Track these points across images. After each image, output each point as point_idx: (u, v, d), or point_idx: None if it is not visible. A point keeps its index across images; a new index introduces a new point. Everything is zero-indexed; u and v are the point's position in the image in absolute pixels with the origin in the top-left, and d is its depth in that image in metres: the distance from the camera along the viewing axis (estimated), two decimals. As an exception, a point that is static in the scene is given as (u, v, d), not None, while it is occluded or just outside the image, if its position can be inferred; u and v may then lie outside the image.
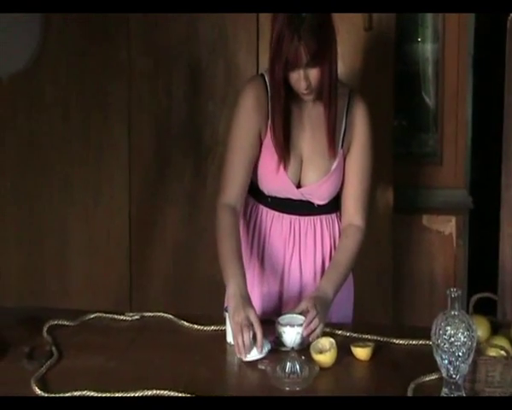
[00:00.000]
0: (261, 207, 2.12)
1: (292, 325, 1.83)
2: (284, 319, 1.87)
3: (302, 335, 1.83)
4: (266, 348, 1.79)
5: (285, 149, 2.00)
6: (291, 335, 1.83)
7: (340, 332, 1.95)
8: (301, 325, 1.84)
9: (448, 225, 3.02)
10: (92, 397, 1.61)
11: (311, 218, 2.10)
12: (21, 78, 2.86)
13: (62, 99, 2.89)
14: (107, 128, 2.90)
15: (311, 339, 1.83)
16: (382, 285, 2.87)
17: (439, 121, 3.04)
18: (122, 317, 2.06)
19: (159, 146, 2.92)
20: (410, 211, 3.00)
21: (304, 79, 1.89)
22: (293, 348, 1.81)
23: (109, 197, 2.92)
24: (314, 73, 1.89)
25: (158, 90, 2.88)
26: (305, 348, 1.83)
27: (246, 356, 1.78)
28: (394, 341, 1.91)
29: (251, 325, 1.78)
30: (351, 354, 1.81)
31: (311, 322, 1.84)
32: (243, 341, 1.76)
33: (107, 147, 2.91)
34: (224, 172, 2.03)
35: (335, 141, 2.01)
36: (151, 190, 2.92)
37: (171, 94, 2.88)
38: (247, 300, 1.85)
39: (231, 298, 1.86)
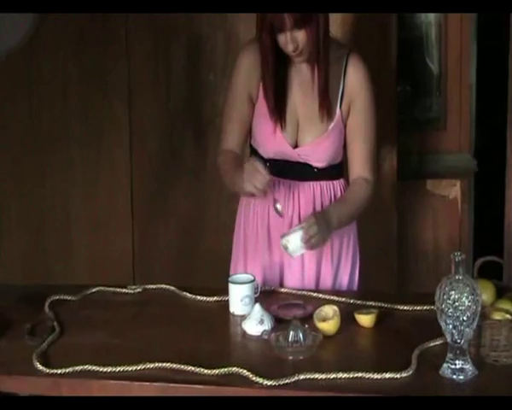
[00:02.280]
0: None
1: (293, 232, 1.90)
2: (285, 233, 1.93)
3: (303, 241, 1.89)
4: (268, 325, 1.80)
5: (279, 111, 2.03)
6: (295, 241, 1.89)
7: (343, 299, 1.94)
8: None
9: (452, 190, 2.99)
10: (94, 371, 1.61)
11: (311, 183, 2.10)
12: (20, 56, 2.83)
13: (61, 77, 2.85)
14: (106, 105, 2.87)
15: (306, 247, 1.89)
16: (387, 253, 2.86)
17: (443, 86, 3.00)
18: (124, 290, 2.06)
19: (159, 121, 2.89)
20: (415, 177, 2.98)
21: (291, 41, 1.92)
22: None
23: (111, 174, 2.91)
24: (301, 36, 1.93)
25: (158, 65, 2.84)
26: (307, 316, 1.82)
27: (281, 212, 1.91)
28: (398, 307, 1.90)
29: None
30: (354, 321, 1.81)
31: (310, 227, 1.88)
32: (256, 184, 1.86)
33: (107, 124, 2.88)
34: (222, 126, 2.12)
35: (328, 102, 2.01)
36: (152, 166, 2.90)
37: (170, 68, 2.85)
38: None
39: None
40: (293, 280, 2.12)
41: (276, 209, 1.96)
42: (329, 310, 1.79)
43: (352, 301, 1.93)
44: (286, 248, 1.91)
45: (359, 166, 2.06)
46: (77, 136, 2.89)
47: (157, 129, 2.88)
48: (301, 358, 1.65)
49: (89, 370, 1.62)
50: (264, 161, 2.07)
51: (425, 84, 3.02)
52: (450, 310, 1.53)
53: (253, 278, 1.93)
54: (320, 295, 1.98)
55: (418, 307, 1.88)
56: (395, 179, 2.84)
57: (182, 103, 2.86)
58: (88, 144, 2.90)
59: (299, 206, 2.09)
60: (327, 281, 2.13)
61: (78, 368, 1.62)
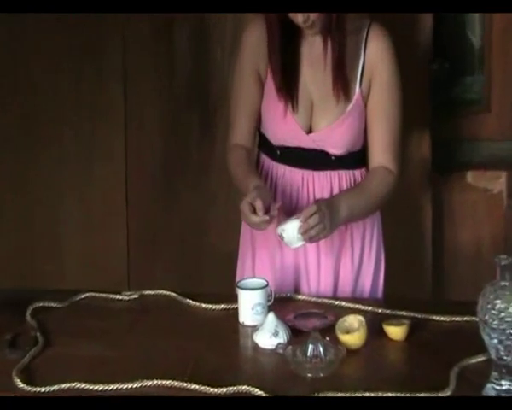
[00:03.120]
0: (271, 163, 2.14)
1: (290, 220, 1.90)
2: (283, 222, 1.95)
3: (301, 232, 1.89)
4: (284, 338, 1.80)
5: (289, 90, 2.03)
6: (292, 230, 1.89)
7: (370, 308, 1.94)
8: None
9: (497, 183, 2.97)
10: (83, 390, 1.60)
11: (328, 173, 2.10)
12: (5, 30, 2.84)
13: (53, 54, 2.85)
14: (100, 85, 2.87)
15: (304, 238, 1.89)
16: (419, 254, 2.85)
17: (486, 62, 2.98)
18: (118, 296, 2.07)
19: (160, 103, 2.90)
20: (452, 168, 2.95)
21: None
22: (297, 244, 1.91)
23: (105, 167, 2.92)
24: None
25: (158, 40, 2.84)
26: (329, 327, 1.82)
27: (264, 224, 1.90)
28: (434, 317, 1.90)
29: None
30: (383, 333, 1.81)
31: (309, 216, 1.87)
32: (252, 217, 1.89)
33: (100, 107, 2.89)
34: (231, 114, 2.16)
35: (344, 79, 2.01)
36: (152, 155, 2.91)
37: (173, 43, 2.84)
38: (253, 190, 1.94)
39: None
40: (308, 285, 2.12)
41: (280, 236, 1.94)
42: (354, 320, 1.79)
43: (380, 311, 1.93)
44: (281, 237, 1.92)
45: (380, 153, 2.06)
46: (68, 125, 2.90)
47: (157, 112, 2.88)
48: (322, 375, 1.65)
49: (77, 388, 1.61)
50: (274, 148, 2.10)
51: (465, 60, 2.99)
52: (495, 322, 1.51)
53: (265, 283, 1.93)
54: (343, 304, 1.98)
55: (457, 318, 1.88)
56: (429, 170, 2.83)
57: (186, 85, 2.87)
58: (80, 134, 2.91)
59: (314, 199, 2.09)
60: (346, 286, 2.15)
61: (65, 386, 1.61)
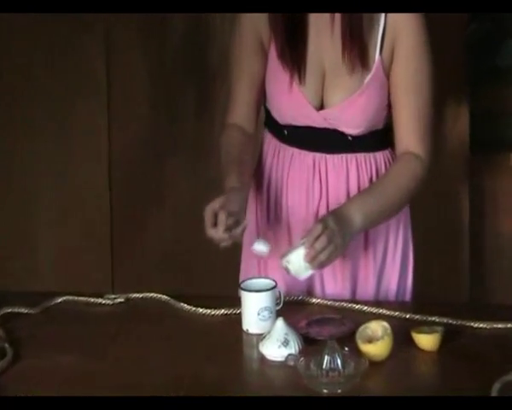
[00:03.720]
0: (278, 144, 2.15)
1: (294, 250, 1.89)
2: (287, 251, 1.93)
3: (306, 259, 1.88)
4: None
5: (294, 57, 2.01)
6: (297, 261, 1.88)
7: (396, 313, 1.94)
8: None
9: (547, 165, 2.97)
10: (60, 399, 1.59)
11: (344, 156, 2.10)
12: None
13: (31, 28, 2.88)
14: (80, 55, 2.88)
15: (313, 267, 1.87)
16: (455, 250, 2.86)
17: (535, 20, 2.96)
18: (101, 300, 2.07)
19: (148, 73, 2.92)
20: (493, 148, 2.95)
21: None
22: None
23: (84, 146, 2.94)
24: None
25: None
26: (348, 336, 1.82)
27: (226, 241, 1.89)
28: (471, 324, 1.90)
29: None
30: (411, 342, 1.81)
31: (315, 240, 1.85)
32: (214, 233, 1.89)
33: (80, 81, 2.92)
34: (231, 89, 2.16)
35: (357, 44, 1.98)
36: (139, 132, 2.93)
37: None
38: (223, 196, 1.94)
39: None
40: (323, 286, 2.13)
41: (286, 268, 1.92)
42: (378, 327, 1.79)
43: (407, 316, 1.93)
44: (287, 270, 1.91)
45: (406, 136, 2.05)
46: (43, 102, 2.93)
47: (146, 82, 2.90)
48: (339, 391, 1.65)
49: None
50: (281, 127, 2.10)
51: (510, 21, 2.97)
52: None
53: (273, 284, 1.93)
54: (365, 308, 1.99)
55: (499, 325, 1.88)
56: (466, 151, 2.84)
57: (179, 52, 2.88)
58: (57, 112, 2.94)
59: (327, 188, 2.09)
60: (367, 287, 2.15)
61: (39, 403, 1.61)
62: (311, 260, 1.86)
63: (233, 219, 1.88)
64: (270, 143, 2.16)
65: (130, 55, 2.91)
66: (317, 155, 2.09)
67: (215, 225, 1.88)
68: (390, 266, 2.16)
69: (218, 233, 1.88)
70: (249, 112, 2.14)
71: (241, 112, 2.14)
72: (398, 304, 2.05)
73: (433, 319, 1.90)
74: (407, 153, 2.05)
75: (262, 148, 2.20)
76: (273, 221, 2.16)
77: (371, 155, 2.11)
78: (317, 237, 1.85)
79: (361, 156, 2.10)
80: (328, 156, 2.09)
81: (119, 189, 2.97)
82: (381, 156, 2.12)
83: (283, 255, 1.91)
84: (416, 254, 2.22)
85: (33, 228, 3.00)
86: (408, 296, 2.19)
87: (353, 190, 2.09)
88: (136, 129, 2.94)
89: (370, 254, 2.13)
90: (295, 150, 2.11)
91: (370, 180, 2.09)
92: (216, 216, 1.88)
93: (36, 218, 3.00)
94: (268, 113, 2.16)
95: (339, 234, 1.88)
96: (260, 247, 1.95)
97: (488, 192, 2.98)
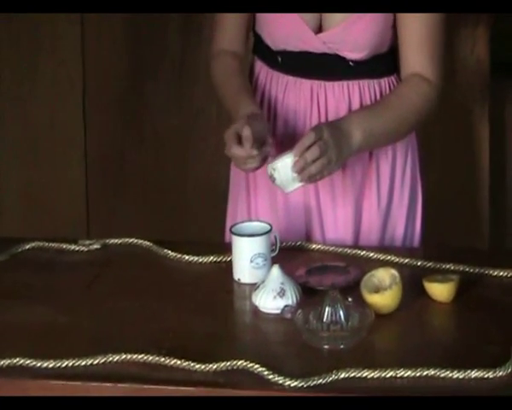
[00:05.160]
0: (270, 72, 2.14)
1: (282, 156, 1.89)
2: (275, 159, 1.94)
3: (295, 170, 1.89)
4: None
5: None
6: (284, 169, 1.88)
7: (406, 260, 1.95)
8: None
9: None
10: (28, 367, 1.60)
11: (345, 83, 2.10)
12: None
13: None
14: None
15: (302, 179, 1.88)
16: (472, 189, 2.87)
17: None
18: (74, 246, 2.06)
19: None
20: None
21: None
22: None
23: (56, 75, 2.95)
24: None
25: None
26: (352, 285, 1.82)
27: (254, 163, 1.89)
28: (490, 272, 1.90)
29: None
30: (423, 292, 1.81)
31: (306, 149, 1.85)
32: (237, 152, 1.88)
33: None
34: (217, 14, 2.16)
35: None
36: (116, 58, 2.92)
37: None
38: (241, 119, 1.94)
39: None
40: (322, 230, 2.13)
41: (271, 177, 1.93)
42: (385, 275, 1.79)
43: (419, 263, 1.93)
44: (272, 179, 1.91)
45: (414, 56, 2.04)
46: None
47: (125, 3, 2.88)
48: (342, 347, 1.65)
49: (22, 365, 1.61)
50: (273, 53, 2.09)
51: None
52: None
53: (268, 228, 1.93)
54: (371, 254, 1.99)
55: (523, 273, 1.86)
56: (486, 76, 2.83)
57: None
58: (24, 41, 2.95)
59: (326, 120, 2.08)
60: (372, 231, 2.16)
61: (4, 363, 1.61)
62: (300, 170, 1.86)
63: (262, 137, 1.90)
64: (261, 71, 2.15)
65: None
66: (315, 82, 2.09)
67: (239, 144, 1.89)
68: (397, 208, 2.17)
69: (245, 150, 1.87)
70: (238, 35, 2.14)
71: (230, 35, 2.14)
72: (409, 250, 2.06)
73: (448, 266, 1.90)
74: (415, 75, 2.05)
75: (250, 78, 2.18)
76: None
77: (375, 81, 2.11)
78: (309, 147, 1.85)
79: (364, 83, 2.10)
80: (327, 84, 2.09)
81: (95, 120, 2.97)
82: (386, 83, 2.12)
83: (270, 162, 1.91)
84: (427, 193, 2.23)
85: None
86: (417, 242, 2.20)
87: None
88: (109, 46, 2.92)
89: (374, 195, 2.14)
90: (290, 78, 2.10)
91: None
92: (239, 137, 1.88)
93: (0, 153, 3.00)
94: (258, 38, 2.14)
95: (334, 147, 1.88)
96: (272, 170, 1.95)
97: (510, 122, 2.98)
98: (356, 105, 2.09)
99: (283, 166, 1.88)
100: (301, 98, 2.10)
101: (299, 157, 1.85)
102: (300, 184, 1.91)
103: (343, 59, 2.06)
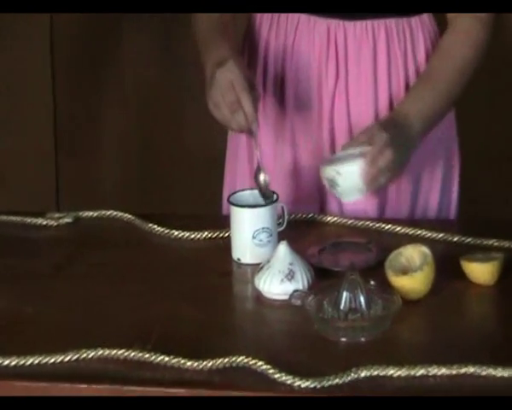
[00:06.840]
0: (276, 14, 2.14)
1: (349, 159, 1.87)
2: (334, 159, 1.93)
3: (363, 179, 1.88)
4: None
5: None
6: (351, 177, 1.86)
7: (440, 235, 1.97)
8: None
9: None
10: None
11: (367, 23, 2.10)
12: None
13: None
14: None
15: (367, 189, 1.88)
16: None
17: None
18: (41, 220, 2.08)
19: None
20: None
21: None
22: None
23: (23, 21, 2.98)
24: None
25: None
26: (374, 265, 1.83)
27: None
28: (541, 249, 1.93)
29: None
30: (460, 273, 1.82)
31: (377, 156, 1.85)
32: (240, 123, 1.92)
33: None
34: None
35: None
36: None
37: None
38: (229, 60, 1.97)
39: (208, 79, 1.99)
40: (339, 200, 2.12)
41: (257, 181, 1.96)
42: (415, 254, 1.80)
43: (455, 239, 1.96)
44: (331, 184, 1.89)
45: None
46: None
47: None
48: (363, 340, 1.65)
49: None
50: None
51: None
52: None
53: (274, 197, 1.93)
54: (397, 228, 2.01)
55: None
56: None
57: None
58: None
59: (346, 66, 2.11)
60: (400, 202, 2.18)
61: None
62: (372, 181, 1.85)
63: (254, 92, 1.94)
64: (263, 16, 2.15)
65: None
66: (333, 21, 2.10)
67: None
68: (429, 175, 2.18)
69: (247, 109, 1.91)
70: None
71: None
72: (442, 223, 2.06)
73: (490, 242, 1.92)
74: (464, 19, 2.06)
75: (252, 17, 2.20)
76: (271, 116, 2.17)
77: (404, 20, 2.11)
78: (382, 151, 1.85)
79: (391, 22, 2.10)
80: (346, 23, 2.10)
81: (64, 77, 3.00)
82: (417, 22, 2.13)
83: (327, 163, 1.91)
84: (464, 160, 2.24)
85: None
86: (453, 214, 2.22)
87: (382, 68, 2.10)
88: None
89: None
90: (302, 17, 2.10)
91: (404, 55, 2.10)
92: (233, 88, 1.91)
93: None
94: None
95: (401, 150, 1.90)
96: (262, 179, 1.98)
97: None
98: (382, 51, 2.10)
99: (351, 173, 1.86)
100: (315, 41, 2.11)
101: (372, 165, 1.84)
102: (362, 196, 1.90)
103: None
